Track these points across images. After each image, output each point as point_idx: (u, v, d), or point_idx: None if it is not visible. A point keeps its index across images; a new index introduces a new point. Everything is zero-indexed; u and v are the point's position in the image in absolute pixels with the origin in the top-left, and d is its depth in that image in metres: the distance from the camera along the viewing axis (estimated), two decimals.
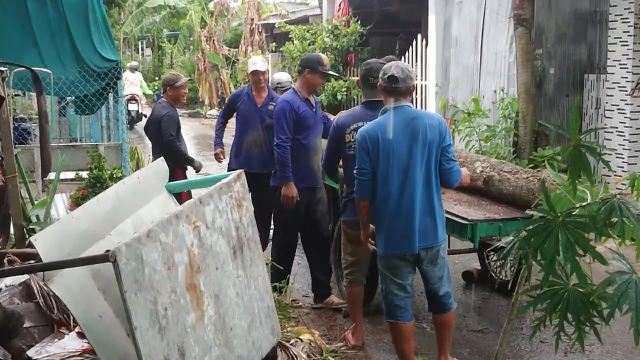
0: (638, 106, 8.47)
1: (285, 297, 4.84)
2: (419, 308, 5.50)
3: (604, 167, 7.86)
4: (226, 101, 6.93)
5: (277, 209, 5.51)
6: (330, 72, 5.40)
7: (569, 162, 2.14)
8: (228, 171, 5.58)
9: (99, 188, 6.10)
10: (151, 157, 7.50)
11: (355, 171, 4.06)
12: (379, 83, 4.08)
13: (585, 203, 2.14)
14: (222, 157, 6.71)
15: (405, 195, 3.90)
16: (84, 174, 6.72)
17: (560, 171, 2.44)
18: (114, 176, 6.55)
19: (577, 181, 2.11)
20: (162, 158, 3.62)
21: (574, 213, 2.09)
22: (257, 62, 6.58)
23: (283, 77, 7.27)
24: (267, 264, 4.92)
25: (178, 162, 6.21)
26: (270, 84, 6.90)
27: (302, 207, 5.36)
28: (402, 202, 3.92)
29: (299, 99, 5.29)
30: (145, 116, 13.94)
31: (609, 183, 2.88)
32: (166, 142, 6.22)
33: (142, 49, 34.64)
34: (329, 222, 5.85)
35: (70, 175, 6.97)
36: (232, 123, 6.95)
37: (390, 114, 3.94)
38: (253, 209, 3.81)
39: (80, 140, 10.10)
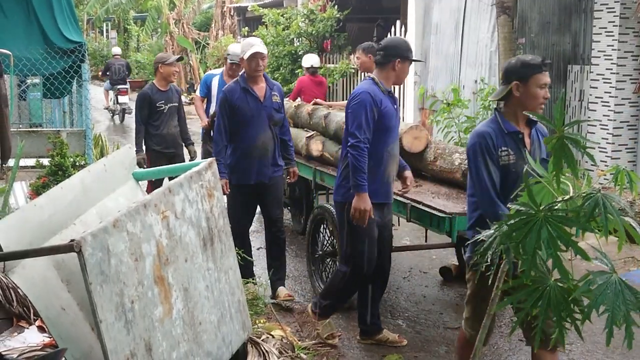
0: (622, 99, 8.45)
1: None
2: (394, 304, 5.47)
3: (586, 161, 7.98)
4: (219, 107, 5.32)
5: (348, 230, 4.42)
6: (417, 59, 4.46)
7: (553, 153, 2.10)
8: (231, 191, 5.21)
9: (60, 176, 5.93)
10: (115, 143, 7.40)
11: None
12: None
13: (567, 197, 2.10)
14: (227, 190, 5.21)
15: None
16: (45, 161, 6.53)
17: None
18: (77, 164, 6.39)
19: (560, 173, 2.07)
20: (128, 145, 3.51)
21: (556, 207, 2.05)
22: (256, 43, 5.27)
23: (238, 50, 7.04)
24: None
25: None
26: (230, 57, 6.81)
27: (374, 224, 4.40)
28: None
29: (380, 92, 4.32)
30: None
31: (592, 178, 2.86)
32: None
33: (107, 32, 33.98)
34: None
35: (31, 162, 6.77)
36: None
37: None
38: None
39: (41, 126, 9.83)
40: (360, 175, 4.21)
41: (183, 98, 20.16)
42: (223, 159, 5.20)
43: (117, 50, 19.85)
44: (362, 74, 13.06)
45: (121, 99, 17.47)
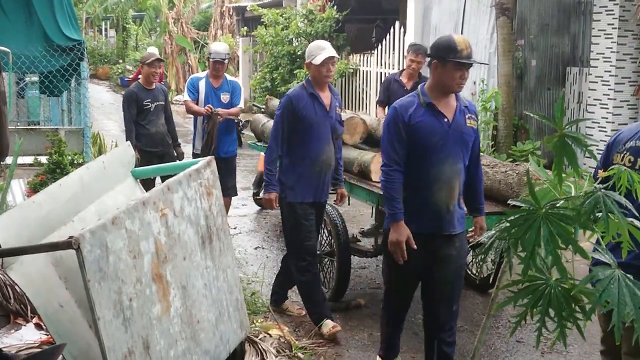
0: (621, 101, 8.46)
1: None
2: None
3: (585, 164, 8.00)
4: (281, 112, 4.71)
5: (387, 262, 3.90)
6: (470, 61, 3.58)
7: (555, 152, 2.10)
8: (286, 210, 4.75)
9: (58, 174, 5.92)
10: (114, 142, 7.37)
11: None
12: None
13: (569, 196, 2.10)
14: (276, 205, 4.80)
15: None
16: (43, 159, 6.51)
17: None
18: (75, 162, 6.38)
19: (563, 173, 2.07)
20: (128, 142, 3.50)
21: (557, 205, 2.05)
22: (327, 47, 4.74)
23: (220, 48, 6.76)
24: None
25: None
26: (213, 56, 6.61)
27: (422, 258, 3.73)
28: None
29: (417, 104, 3.67)
30: None
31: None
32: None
33: (106, 30, 34.01)
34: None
35: (29, 160, 6.75)
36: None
37: None
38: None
39: (39, 124, 9.81)
40: (390, 203, 3.68)
41: (181, 97, 20.34)
42: (275, 170, 4.69)
43: None
44: (364, 75, 13.09)
45: None
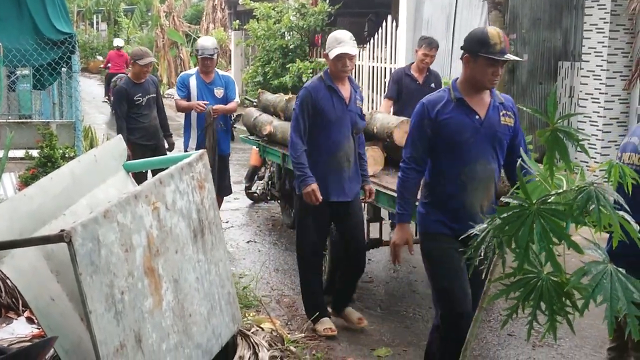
0: (612, 96, 8.50)
1: None
2: (383, 299, 5.48)
3: (576, 158, 8.02)
4: (300, 105, 4.54)
5: (426, 265, 3.67)
6: (503, 57, 3.35)
7: (547, 146, 2.10)
8: (297, 204, 4.73)
9: (50, 167, 5.91)
10: (105, 135, 7.34)
11: None
12: None
13: (560, 190, 2.11)
14: (320, 197, 4.51)
15: None
16: (35, 153, 6.48)
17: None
18: (66, 155, 6.36)
19: (554, 167, 2.08)
20: (119, 136, 3.48)
21: (549, 200, 2.06)
22: (345, 40, 4.55)
23: (207, 43, 6.58)
24: None
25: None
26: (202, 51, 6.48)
27: (455, 254, 3.39)
28: None
29: (446, 100, 3.50)
30: None
31: (588, 167, 2.87)
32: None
33: (97, 24, 33.88)
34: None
35: (20, 153, 6.72)
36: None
37: None
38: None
39: (30, 117, 9.76)
40: (399, 202, 3.60)
41: (172, 91, 20.22)
42: (306, 163, 4.47)
43: None
44: (356, 69, 13.07)
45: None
